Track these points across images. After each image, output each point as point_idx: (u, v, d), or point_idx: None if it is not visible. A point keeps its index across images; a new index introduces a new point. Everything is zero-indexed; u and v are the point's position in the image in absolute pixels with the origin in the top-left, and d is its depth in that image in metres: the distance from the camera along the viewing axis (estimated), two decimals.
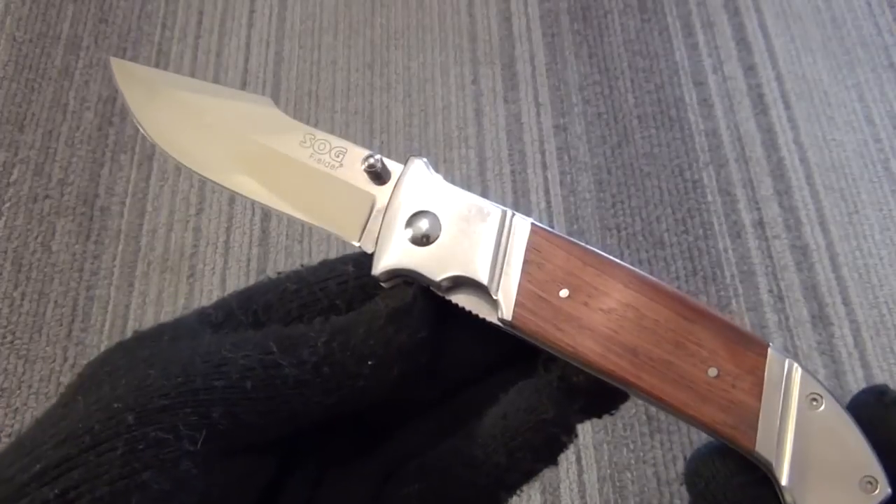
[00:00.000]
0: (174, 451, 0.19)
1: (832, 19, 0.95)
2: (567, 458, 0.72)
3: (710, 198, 0.85)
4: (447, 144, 0.88)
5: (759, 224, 0.83)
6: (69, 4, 0.97)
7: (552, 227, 0.24)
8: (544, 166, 0.87)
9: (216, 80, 0.92)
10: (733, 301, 0.79)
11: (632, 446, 0.72)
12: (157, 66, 0.94)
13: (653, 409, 0.74)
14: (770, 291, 0.80)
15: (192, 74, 0.93)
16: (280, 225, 0.84)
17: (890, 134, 0.88)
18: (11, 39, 0.94)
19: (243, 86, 0.92)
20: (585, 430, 0.73)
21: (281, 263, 0.81)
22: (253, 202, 0.25)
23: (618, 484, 0.71)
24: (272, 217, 0.84)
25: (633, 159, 0.87)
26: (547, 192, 0.85)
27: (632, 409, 0.74)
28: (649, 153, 0.87)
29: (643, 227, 0.83)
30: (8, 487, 0.18)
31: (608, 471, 0.72)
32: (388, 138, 0.89)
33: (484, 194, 0.25)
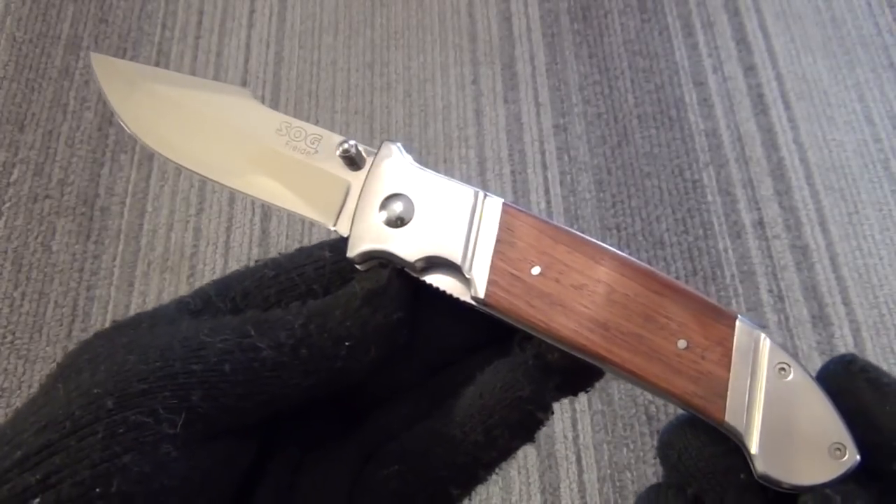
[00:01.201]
0: (154, 435, 0.19)
1: (832, 19, 0.95)
2: (567, 458, 0.72)
3: (710, 198, 0.85)
4: (447, 144, 0.88)
5: (759, 224, 0.83)
6: (69, 4, 0.97)
7: None
8: (544, 166, 0.87)
9: (216, 81, 0.92)
10: (733, 301, 0.79)
11: (632, 446, 0.72)
12: (157, 66, 0.94)
13: (653, 409, 0.74)
14: (770, 291, 0.80)
15: (193, 74, 0.93)
16: (280, 225, 0.84)
17: (890, 134, 0.88)
18: (11, 39, 0.94)
19: (243, 86, 0.92)
20: (585, 430, 0.73)
21: None
22: (230, 190, 0.26)
23: (618, 484, 0.71)
24: (272, 217, 0.84)
25: (633, 159, 0.87)
26: (547, 192, 0.85)
27: (632, 409, 0.74)
28: (649, 153, 0.87)
29: (643, 227, 0.83)
30: None
31: (608, 471, 0.72)
32: (389, 138, 0.89)
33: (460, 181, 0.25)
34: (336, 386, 0.23)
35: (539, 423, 0.23)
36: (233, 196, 0.85)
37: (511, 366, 0.23)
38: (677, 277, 0.80)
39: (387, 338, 0.23)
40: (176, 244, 0.83)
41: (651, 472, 0.71)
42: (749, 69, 0.92)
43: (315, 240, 0.82)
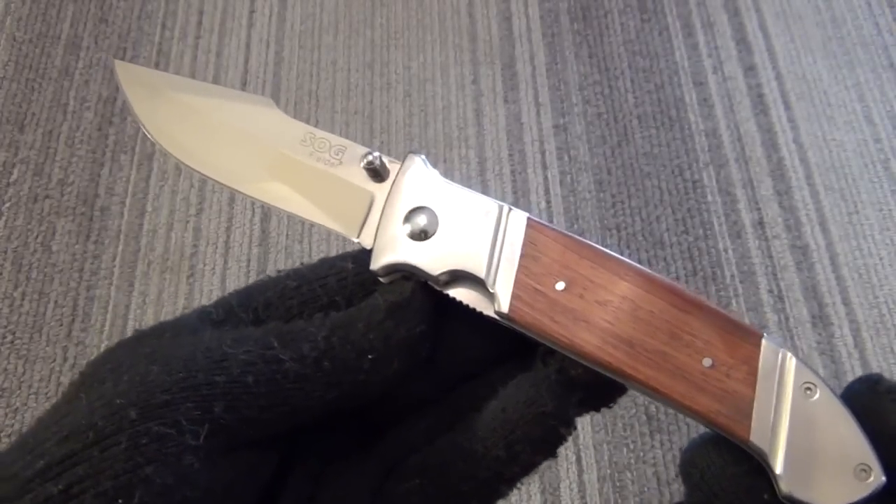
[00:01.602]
0: (177, 446, 0.19)
1: (832, 19, 0.95)
2: (567, 458, 0.72)
3: (710, 198, 0.85)
4: (447, 144, 0.88)
5: (759, 224, 0.83)
6: (69, 4, 0.97)
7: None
8: (544, 166, 0.87)
9: (216, 80, 0.93)
10: (733, 301, 0.79)
11: (632, 446, 0.72)
12: (157, 66, 0.94)
13: (653, 409, 0.74)
14: (770, 291, 0.80)
15: (192, 74, 0.93)
16: (280, 225, 0.84)
17: (890, 134, 0.88)
18: (11, 39, 0.94)
19: (243, 86, 0.93)
20: (585, 430, 0.73)
21: (281, 263, 0.81)
22: (253, 200, 0.26)
23: (618, 484, 0.71)
24: (272, 217, 0.84)
25: (633, 159, 0.87)
26: (547, 192, 0.85)
27: (632, 409, 0.74)
28: (649, 153, 0.87)
29: (643, 227, 0.83)
30: (12, 484, 0.18)
31: (608, 471, 0.72)
32: (388, 138, 0.89)
33: (484, 194, 0.25)
34: (358, 399, 0.23)
35: (562, 439, 0.23)
36: (233, 196, 0.85)
37: (534, 381, 0.23)
38: (677, 278, 0.80)
39: (410, 351, 0.23)
40: (176, 244, 0.83)
41: (651, 472, 0.71)
42: (749, 69, 0.92)
43: (315, 240, 0.82)
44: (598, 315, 0.22)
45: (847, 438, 0.21)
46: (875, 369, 0.76)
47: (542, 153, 0.88)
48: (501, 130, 0.89)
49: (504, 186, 0.85)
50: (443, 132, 0.89)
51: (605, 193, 0.85)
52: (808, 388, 0.22)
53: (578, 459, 0.72)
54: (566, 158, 0.87)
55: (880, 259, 0.81)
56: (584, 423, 0.74)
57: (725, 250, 0.82)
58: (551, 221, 0.82)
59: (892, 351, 0.77)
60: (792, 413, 0.21)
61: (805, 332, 0.77)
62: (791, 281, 0.80)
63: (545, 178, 0.86)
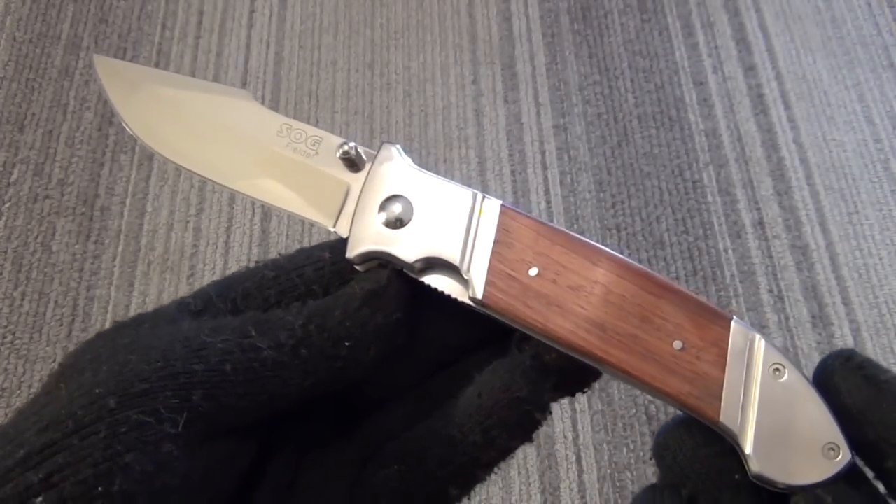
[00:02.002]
0: (156, 434, 0.19)
1: (832, 19, 0.96)
2: (567, 458, 0.72)
3: (710, 198, 0.85)
4: (447, 144, 0.88)
5: (759, 224, 0.83)
6: (69, 4, 0.97)
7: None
8: (544, 166, 0.87)
9: (216, 80, 0.93)
10: (733, 301, 0.79)
11: (632, 446, 0.72)
12: (157, 66, 0.94)
13: (653, 409, 0.74)
14: (770, 291, 0.80)
15: (193, 74, 0.93)
16: (280, 225, 0.84)
17: (890, 134, 0.88)
18: (11, 39, 0.94)
19: (243, 86, 0.93)
20: (585, 430, 0.73)
21: None
22: (230, 191, 0.26)
23: (618, 484, 0.71)
24: (272, 217, 0.84)
25: (633, 159, 0.87)
26: (547, 192, 0.85)
27: (632, 408, 0.74)
28: (649, 153, 0.87)
29: (643, 227, 0.83)
30: None
31: (608, 471, 0.72)
32: (388, 138, 0.89)
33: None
34: (336, 386, 0.23)
35: (537, 424, 0.24)
36: (233, 196, 0.85)
37: (509, 367, 0.23)
38: (677, 277, 0.80)
39: (386, 338, 0.23)
40: (176, 244, 0.83)
41: (651, 471, 0.71)
42: (749, 69, 0.92)
43: (315, 240, 0.82)
44: (570, 300, 0.23)
45: (815, 418, 0.21)
46: None
47: (542, 153, 0.88)
48: (501, 130, 0.89)
49: (504, 186, 0.85)
50: (443, 132, 0.89)
51: (605, 193, 0.85)
52: (777, 370, 0.22)
53: (578, 459, 0.72)
54: (566, 158, 0.87)
55: (880, 259, 0.81)
56: (584, 423, 0.74)
57: (725, 250, 0.82)
58: (551, 221, 0.82)
59: (892, 351, 0.77)
60: (761, 394, 0.21)
61: (805, 332, 0.77)
62: (791, 281, 0.80)
63: (545, 178, 0.86)
